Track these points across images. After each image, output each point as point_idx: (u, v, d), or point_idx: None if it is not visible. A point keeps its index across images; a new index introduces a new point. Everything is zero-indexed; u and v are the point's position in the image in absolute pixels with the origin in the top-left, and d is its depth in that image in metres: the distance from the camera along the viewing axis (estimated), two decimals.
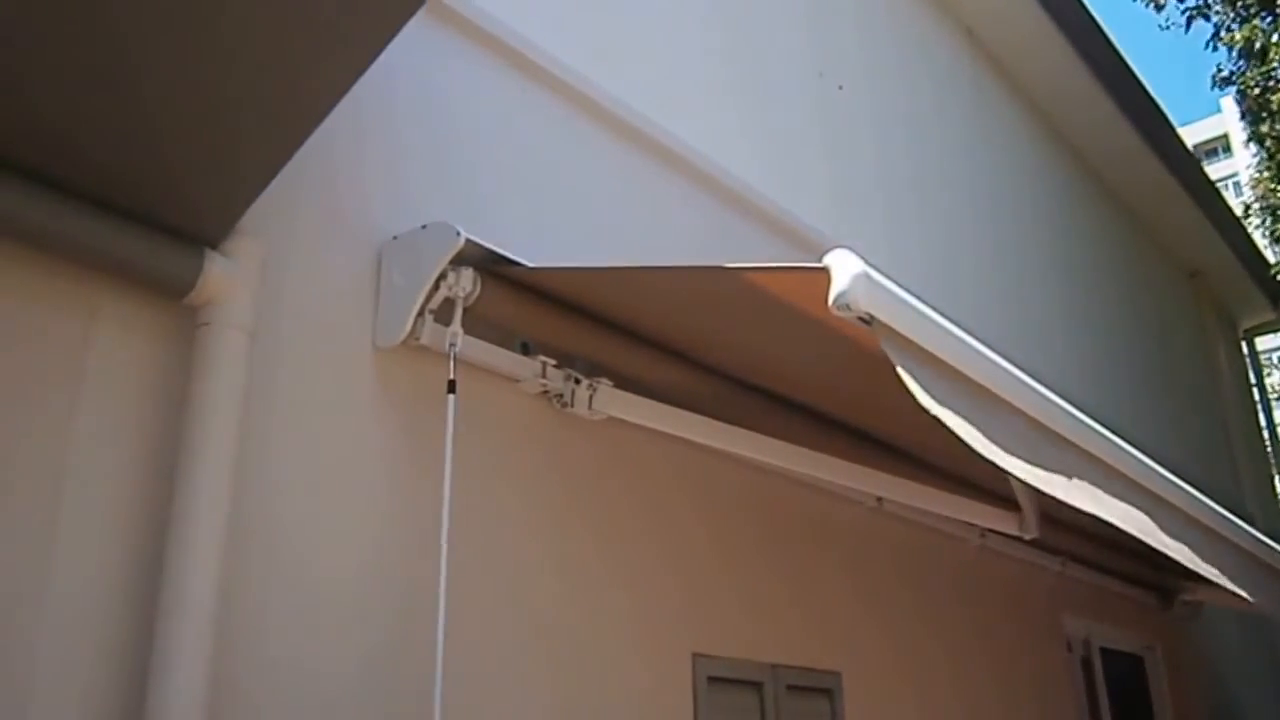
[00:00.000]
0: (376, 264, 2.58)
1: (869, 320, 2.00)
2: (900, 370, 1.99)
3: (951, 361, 2.23)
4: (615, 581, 3.03)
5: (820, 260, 2.03)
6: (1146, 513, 3.05)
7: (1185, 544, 3.29)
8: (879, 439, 3.70)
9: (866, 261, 2.04)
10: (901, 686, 4.23)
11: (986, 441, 2.15)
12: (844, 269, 1.99)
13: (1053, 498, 2.48)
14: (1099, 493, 2.70)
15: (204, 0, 1.64)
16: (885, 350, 2.00)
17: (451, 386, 2.49)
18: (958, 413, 2.08)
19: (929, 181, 5.72)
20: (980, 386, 2.34)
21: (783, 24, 4.73)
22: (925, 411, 2.03)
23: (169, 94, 1.80)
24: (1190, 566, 3.26)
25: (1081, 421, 2.82)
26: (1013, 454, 2.28)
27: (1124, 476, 3.03)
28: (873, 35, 5.59)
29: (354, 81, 1.91)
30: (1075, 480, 2.60)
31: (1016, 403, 2.49)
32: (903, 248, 5.16)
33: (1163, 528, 3.10)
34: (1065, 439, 2.71)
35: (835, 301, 1.97)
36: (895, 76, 5.69)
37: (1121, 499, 2.91)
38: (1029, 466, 2.36)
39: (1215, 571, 3.51)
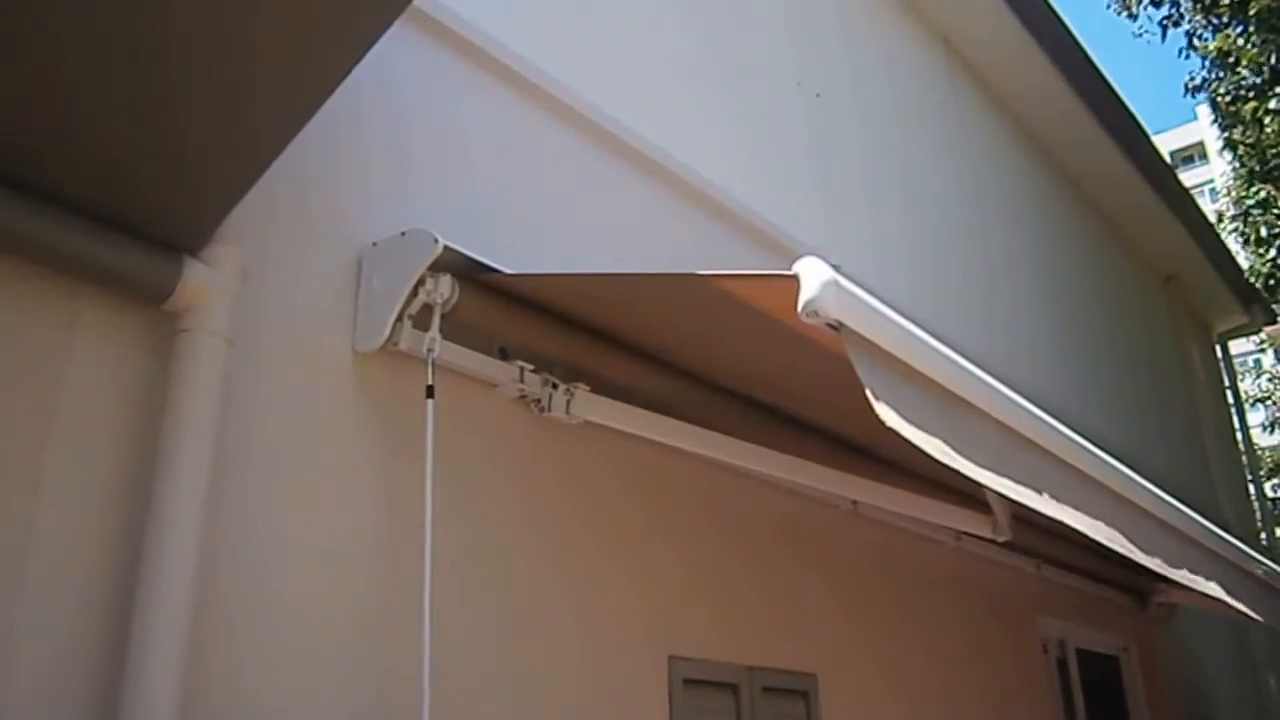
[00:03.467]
0: (356, 270, 2.61)
1: (837, 327, 2.04)
2: (867, 391, 2.02)
3: (919, 367, 2.26)
4: (591, 584, 3.06)
5: (790, 267, 2.07)
6: (1119, 520, 3.09)
7: (1159, 554, 3.34)
8: (853, 443, 3.73)
9: (838, 269, 2.08)
10: (878, 688, 4.27)
11: (954, 454, 2.18)
12: (813, 276, 2.02)
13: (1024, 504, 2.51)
14: (1070, 502, 2.74)
15: (188, 7, 1.65)
16: (852, 362, 2.03)
17: (430, 392, 2.51)
18: (923, 427, 2.10)
19: (909, 188, 5.77)
20: (948, 392, 2.37)
21: (766, 35, 4.77)
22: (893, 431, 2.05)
23: (149, 100, 1.81)
24: (1164, 574, 3.30)
25: (1052, 427, 2.86)
26: (982, 465, 2.31)
27: (1095, 482, 3.07)
28: (855, 46, 5.64)
29: (336, 86, 1.92)
30: (1045, 489, 2.63)
31: (985, 408, 2.51)
32: (885, 256, 5.20)
33: (1134, 537, 3.14)
34: (1036, 445, 2.75)
35: (804, 308, 2.00)
36: (876, 86, 5.74)
37: (1094, 506, 2.95)
38: (998, 476, 2.39)
39: (1187, 576, 3.56)
